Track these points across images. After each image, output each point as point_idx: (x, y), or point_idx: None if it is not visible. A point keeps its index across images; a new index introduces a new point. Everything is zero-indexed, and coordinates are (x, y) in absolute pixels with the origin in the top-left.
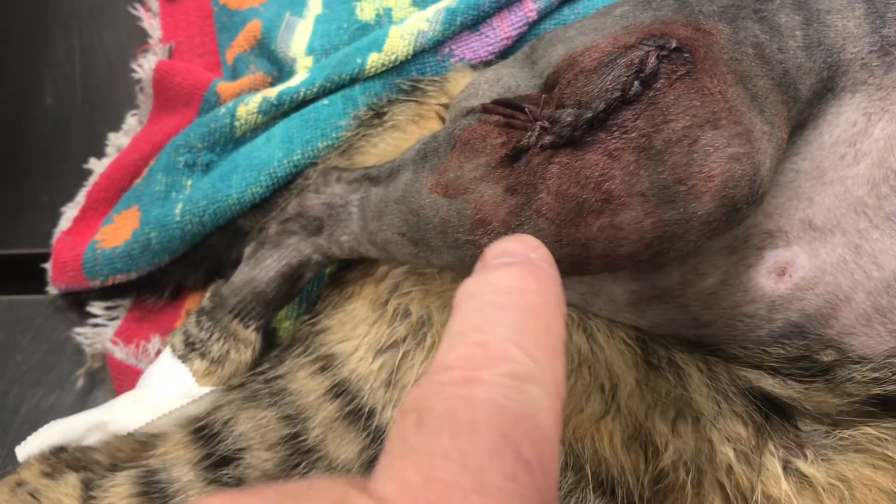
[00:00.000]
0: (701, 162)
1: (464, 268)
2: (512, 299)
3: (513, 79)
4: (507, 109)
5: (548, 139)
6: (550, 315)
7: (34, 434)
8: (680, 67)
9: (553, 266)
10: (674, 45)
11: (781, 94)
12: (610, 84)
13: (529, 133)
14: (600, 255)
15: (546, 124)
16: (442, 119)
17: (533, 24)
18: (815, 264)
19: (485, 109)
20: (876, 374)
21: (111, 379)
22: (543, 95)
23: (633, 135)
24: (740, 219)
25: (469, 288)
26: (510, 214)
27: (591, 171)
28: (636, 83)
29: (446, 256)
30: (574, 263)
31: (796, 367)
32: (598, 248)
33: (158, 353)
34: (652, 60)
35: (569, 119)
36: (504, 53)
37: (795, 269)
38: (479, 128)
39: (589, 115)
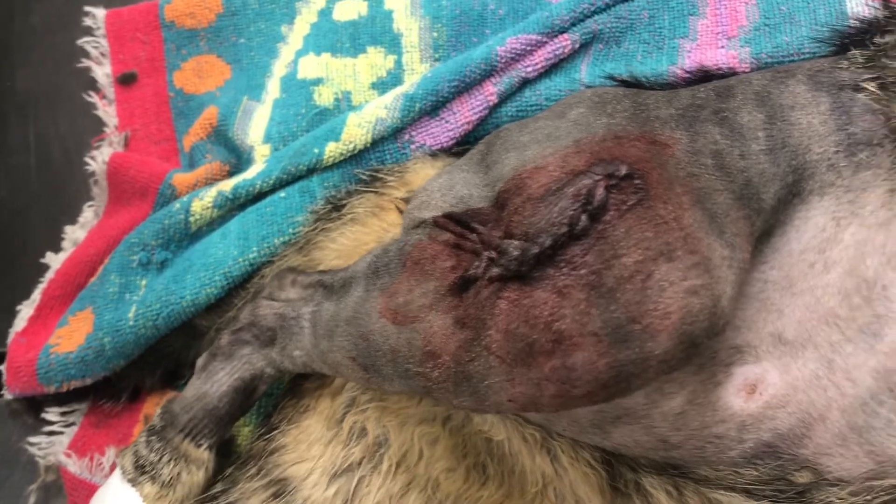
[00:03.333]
0: (656, 298)
1: (416, 396)
2: None
3: (465, 187)
4: (457, 227)
5: (495, 271)
6: None
7: None
8: (630, 196)
9: None
10: (624, 171)
11: (743, 207)
12: (556, 217)
13: (477, 263)
14: (554, 395)
15: (493, 255)
16: (401, 212)
17: (494, 108)
18: (786, 381)
19: (436, 223)
20: (855, 499)
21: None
22: (494, 213)
23: (582, 271)
24: (700, 352)
25: None
26: (460, 349)
27: (540, 310)
28: (584, 217)
29: (398, 385)
30: (528, 402)
31: (770, 489)
32: (551, 388)
33: (113, 466)
34: (600, 192)
35: (515, 253)
36: (465, 139)
37: (766, 386)
38: (429, 246)
39: (536, 250)
